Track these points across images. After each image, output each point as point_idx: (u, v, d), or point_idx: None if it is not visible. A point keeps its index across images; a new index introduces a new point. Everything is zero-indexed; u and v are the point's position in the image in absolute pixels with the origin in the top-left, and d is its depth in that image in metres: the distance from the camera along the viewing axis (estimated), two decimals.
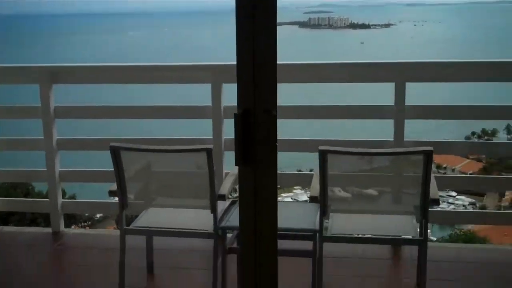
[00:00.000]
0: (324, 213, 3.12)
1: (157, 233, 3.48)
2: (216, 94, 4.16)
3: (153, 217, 3.45)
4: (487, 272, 3.76)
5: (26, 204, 5.56)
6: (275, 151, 1.97)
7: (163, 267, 3.84)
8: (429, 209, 3.09)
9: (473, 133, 21.97)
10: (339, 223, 3.26)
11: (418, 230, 3.18)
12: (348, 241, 3.37)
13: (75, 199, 9.07)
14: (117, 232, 3.65)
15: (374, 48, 37.37)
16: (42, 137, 4.32)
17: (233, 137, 4.04)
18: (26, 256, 4.11)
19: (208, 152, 3.07)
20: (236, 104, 1.95)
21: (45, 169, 4.36)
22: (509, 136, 22.40)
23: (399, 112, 3.95)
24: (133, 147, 3.18)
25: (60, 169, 4.37)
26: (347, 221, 3.30)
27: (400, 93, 3.95)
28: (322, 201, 3.09)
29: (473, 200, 17.85)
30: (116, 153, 3.14)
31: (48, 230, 4.50)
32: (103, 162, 3.95)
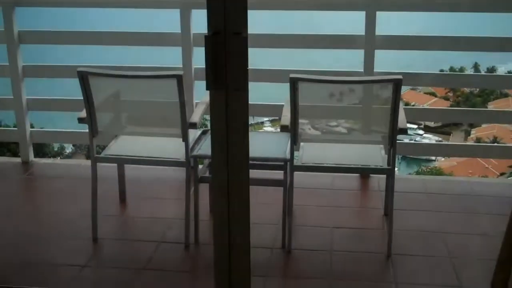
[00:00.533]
0: (294, 143, 3.13)
1: (128, 161, 3.48)
2: (185, 20, 4.07)
3: (124, 145, 3.43)
4: (453, 202, 3.87)
5: None
6: (247, 74, 1.94)
7: (135, 197, 3.86)
8: (398, 140, 3.12)
9: (441, 70, 22.04)
10: (309, 153, 3.29)
11: (386, 160, 3.23)
12: (318, 170, 3.41)
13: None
14: (87, 162, 3.65)
15: None
16: (7, 64, 4.20)
17: (203, 66, 4.00)
18: None
19: (179, 78, 3.02)
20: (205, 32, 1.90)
21: (12, 97, 4.26)
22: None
23: (369, 42, 3.94)
24: (101, 73, 3.10)
25: (27, 97, 4.28)
26: (317, 151, 3.33)
27: (370, 22, 3.93)
28: (292, 131, 3.09)
29: (440, 139, 18.12)
30: (84, 78, 3.07)
31: (17, 160, 4.46)
32: (71, 91, 3.88)
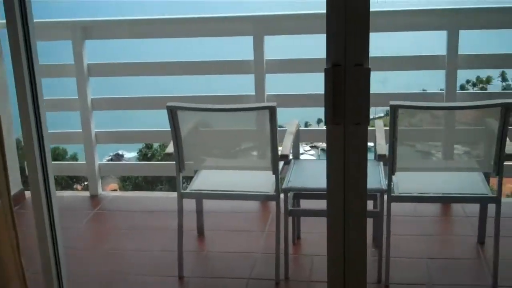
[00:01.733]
0: (392, 172, 2.98)
1: (217, 196, 3.31)
2: (258, 47, 3.97)
3: (208, 179, 3.30)
4: None
5: (62, 167, 5.37)
6: (369, 107, 1.83)
7: (213, 230, 3.74)
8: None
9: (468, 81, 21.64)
10: (405, 182, 3.13)
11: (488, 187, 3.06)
12: (420, 200, 3.26)
13: (77, 159, 8.89)
14: (156, 194, 3.54)
15: None
16: (77, 97, 4.14)
17: (274, 93, 3.89)
18: (68, 221, 3.98)
19: (271, 110, 2.91)
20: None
21: (80, 130, 4.19)
22: (504, 84, 22.17)
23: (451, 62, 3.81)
24: (191, 107, 3.00)
25: (96, 130, 4.21)
26: (413, 180, 3.16)
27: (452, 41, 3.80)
28: (391, 159, 2.95)
29: None
30: (173, 113, 2.97)
31: (86, 193, 4.37)
32: (135, 121, 3.80)
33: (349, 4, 1.72)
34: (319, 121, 18.72)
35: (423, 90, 9.91)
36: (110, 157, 16.05)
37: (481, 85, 21.54)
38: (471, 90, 19.13)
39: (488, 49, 4.21)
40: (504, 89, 20.17)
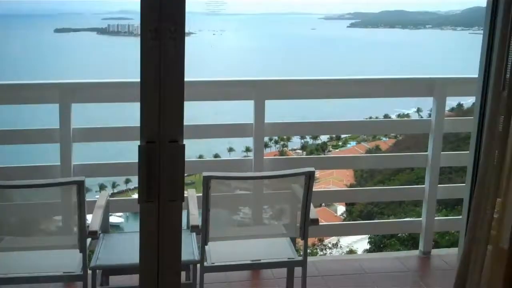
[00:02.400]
0: (205, 242, 2.97)
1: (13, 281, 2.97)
2: (65, 115, 3.78)
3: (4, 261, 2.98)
4: (348, 282, 3.92)
5: None
6: (183, 184, 1.83)
7: None
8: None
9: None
10: (217, 251, 3.12)
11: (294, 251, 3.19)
12: (231, 269, 3.26)
13: None
14: None
15: None
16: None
17: (82, 162, 3.68)
18: None
19: (79, 185, 2.74)
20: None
21: None
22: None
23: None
24: None
25: None
26: (225, 249, 3.18)
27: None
28: (204, 229, 2.94)
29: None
30: None
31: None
32: None
33: (164, 82, 1.71)
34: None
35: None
36: None
37: (282, 142, 23.19)
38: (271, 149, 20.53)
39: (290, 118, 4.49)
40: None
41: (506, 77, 2.40)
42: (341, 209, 17.04)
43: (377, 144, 21.82)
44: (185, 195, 3.32)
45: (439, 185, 4.25)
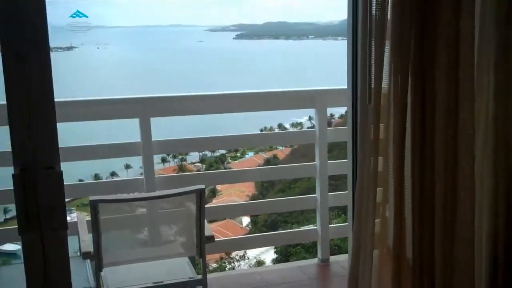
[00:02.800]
0: (100, 269, 2.87)
1: None
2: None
3: None
4: None
5: None
6: (64, 212, 1.77)
7: None
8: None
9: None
10: (114, 277, 3.03)
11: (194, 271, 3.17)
12: None
13: None
14: None
15: (60, 72, 36.79)
16: None
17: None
18: None
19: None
20: None
21: None
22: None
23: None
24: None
25: None
26: (122, 273, 3.09)
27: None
28: (96, 256, 2.84)
29: None
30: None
31: None
32: None
33: (33, 106, 1.64)
34: None
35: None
36: None
37: (180, 156, 23.02)
38: (170, 164, 20.20)
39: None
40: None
41: (371, 88, 2.49)
42: (246, 219, 17.16)
43: (275, 153, 22.16)
44: (74, 220, 3.21)
45: (330, 193, 4.37)
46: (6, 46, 1.61)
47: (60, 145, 1.67)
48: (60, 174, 1.70)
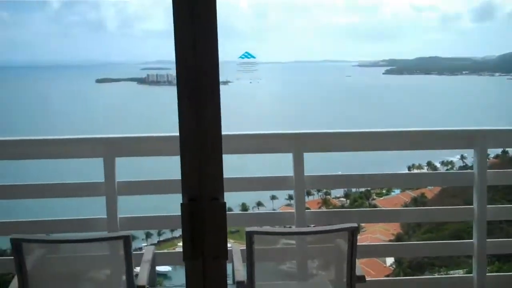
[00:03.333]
0: None
1: None
2: (110, 169, 3.86)
3: None
4: None
5: None
6: (226, 242, 1.86)
7: None
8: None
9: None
10: None
11: None
12: None
13: None
14: None
15: None
16: None
17: (127, 216, 3.74)
18: None
19: (126, 240, 2.80)
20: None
21: None
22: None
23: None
24: (39, 239, 2.81)
25: None
26: None
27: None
28: (250, 286, 2.94)
29: None
30: (17, 246, 2.73)
31: None
32: None
33: (202, 140, 1.77)
34: None
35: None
36: None
37: (324, 190, 22.92)
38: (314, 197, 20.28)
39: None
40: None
41: None
42: (390, 259, 16.68)
43: (422, 192, 21.32)
44: (229, 248, 3.36)
45: (488, 240, 4.11)
46: (182, 85, 1.77)
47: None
48: (223, 205, 1.81)
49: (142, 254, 3.33)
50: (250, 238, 2.86)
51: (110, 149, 3.88)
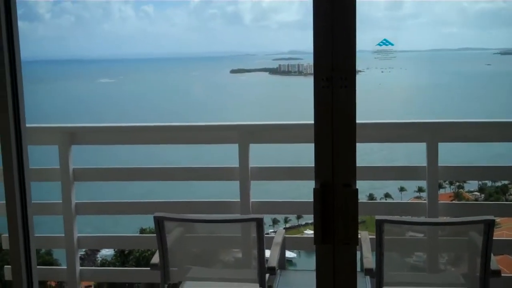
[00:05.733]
0: (380, 286, 2.97)
1: None
2: (244, 155, 4.02)
3: None
4: None
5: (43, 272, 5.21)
6: (357, 227, 1.88)
7: None
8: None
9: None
10: None
11: None
12: None
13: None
14: None
15: None
16: (60, 201, 4.11)
17: (258, 199, 3.88)
18: None
19: (259, 222, 2.92)
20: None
21: (63, 234, 4.14)
22: None
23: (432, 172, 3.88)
24: (178, 217, 3.01)
25: (79, 235, 4.15)
26: None
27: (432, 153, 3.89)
28: (378, 274, 2.94)
29: None
30: (160, 223, 2.96)
31: None
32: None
33: (336, 128, 1.81)
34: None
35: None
36: (84, 252, 15.58)
37: (457, 183, 21.92)
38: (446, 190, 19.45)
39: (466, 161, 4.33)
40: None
41: None
42: None
43: None
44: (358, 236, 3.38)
45: None
46: (318, 72, 1.81)
47: None
48: (355, 192, 1.84)
49: (273, 237, 3.45)
50: (380, 226, 2.86)
51: (244, 136, 4.03)
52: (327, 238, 1.86)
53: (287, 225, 19.04)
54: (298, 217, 19.09)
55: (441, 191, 20.49)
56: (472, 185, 22.70)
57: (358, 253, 3.24)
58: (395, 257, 3.07)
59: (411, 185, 19.05)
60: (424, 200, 3.88)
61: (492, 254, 2.92)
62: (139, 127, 4.40)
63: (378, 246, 2.90)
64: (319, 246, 1.89)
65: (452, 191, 22.02)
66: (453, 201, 17.16)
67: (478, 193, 22.06)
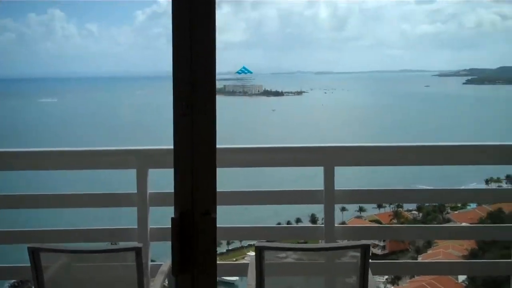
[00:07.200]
0: None
1: None
2: (142, 180, 3.94)
3: None
4: None
5: None
6: (215, 257, 1.86)
7: None
8: None
9: None
10: None
11: None
12: None
13: None
14: None
15: (285, 115, 39.43)
16: None
17: (158, 227, 3.80)
18: None
19: (137, 251, 2.86)
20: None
21: None
22: None
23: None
24: (54, 248, 2.91)
25: None
26: None
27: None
28: None
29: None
30: (35, 255, 2.85)
31: None
32: None
33: (197, 157, 1.79)
34: None
35: None
36: None
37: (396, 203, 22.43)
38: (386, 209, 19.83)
39: None
40: None
41: None
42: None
43: (500, 206, 20.21)
44: (247, 261, 3.34)
45: None
46: (177, 98, 1.79)
47: None
48: (214, 220, 1.81)
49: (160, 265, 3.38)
50: (259, 252, 2.85)
51: (143, 160, 3.96)
52: (185, 267, 1.83)
53: (230, 247, 18.78)
54: (228, 243, 18.84)
55: (381, 210, 20.81)
56: (411, 204, 23.22)
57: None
58: (276, 282, 3.05)
59: (352, 205, 19.29)
60: (365, 219, 3.91)
61: (370, 276, 2.96)
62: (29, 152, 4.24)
63: (259, 273, 2.88)
64: (179, 275, 1.86)
65: (391, 210, 22.43)
66: (392, 222, 17.44)
67: (417, 212, 22.51)
